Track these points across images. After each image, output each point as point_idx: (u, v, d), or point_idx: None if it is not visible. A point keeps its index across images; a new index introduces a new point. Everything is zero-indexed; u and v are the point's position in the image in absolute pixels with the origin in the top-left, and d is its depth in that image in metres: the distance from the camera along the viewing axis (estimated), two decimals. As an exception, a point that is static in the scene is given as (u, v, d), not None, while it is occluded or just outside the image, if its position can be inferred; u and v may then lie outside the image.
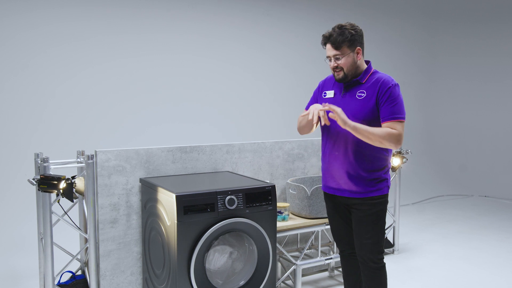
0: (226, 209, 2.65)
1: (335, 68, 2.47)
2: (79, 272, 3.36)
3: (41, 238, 3.10)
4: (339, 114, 2.33)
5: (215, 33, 5.86)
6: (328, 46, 2.47)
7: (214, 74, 5.87)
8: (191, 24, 5.70)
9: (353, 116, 2.42)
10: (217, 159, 3.37)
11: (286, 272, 3.43)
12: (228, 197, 2.65)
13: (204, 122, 5.75)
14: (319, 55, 6.52)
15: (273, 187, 2.83)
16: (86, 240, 3.03)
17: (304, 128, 2.63)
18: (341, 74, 2.46)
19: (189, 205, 2.55)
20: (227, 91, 5.96)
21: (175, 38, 5.61)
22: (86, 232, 3.10)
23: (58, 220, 2.99)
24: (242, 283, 2.75)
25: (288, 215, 3.38)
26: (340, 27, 2.44)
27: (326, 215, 3.35)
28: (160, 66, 5.51)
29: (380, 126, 2.43)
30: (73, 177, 2.81)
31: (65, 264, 3.18)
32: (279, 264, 3.55)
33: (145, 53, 5.41)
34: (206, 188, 2.68)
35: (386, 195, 2.53)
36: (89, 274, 2.96)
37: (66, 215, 3.07)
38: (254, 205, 2.73)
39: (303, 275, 3.69)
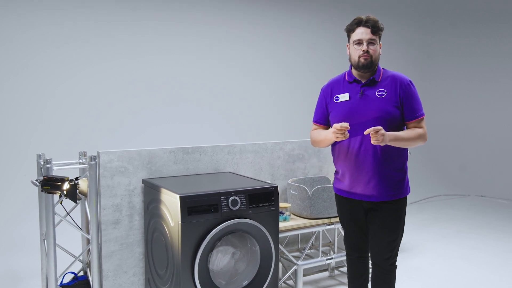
0: (230, 210, 2.66)
1: (364, 53, 2.41)
2: (81, 273, 3.36)
3: (44, 239, 3.10)
4: (388, 135, 2.27)
5: (215, 34, 5.87)
6: (363, 29, 2.42)
7: (214, 75, 5.88)
8: (191, 25, 5.71)
9: (376, 116, 2.38)
10: (218, 160, 3.39)
11: (288, 272, 3.44)
12: (231, 198, 2.67)
13: (203, 122, 5.76)
14: (319, 57, 6.59)
15: (276, 187, 2.84)
16: (88, 241, 3.04)
17: (323, 144, 2.59)
18: (369, 59, 2.41)
19: (193, 206, 2.56)
20: (226, 92, 5.97)
21: (175, 38, 5.62)
22: (88, 233, 3.10)
23: (61, 221, 2.99)
24: (245, 283, 2.76)
25: (290, 215, 3.40)
26: (374, 18, 2.46)
27: (327, 216, 3.38)
28: (160, 67, 5.52)
29: (401, 123, 2.44)
30: (76, 178, 2.82)
31: (67, 265, 3.18)
32: (280, 264, 3.58)
33: (144, 53, 5.41)
34: (210, 189, 2.70)
35: (406, 198, 2.53)
36: (92, 275, 2.97)
37: (68, 216, 3.08)
38: (257, 205, 2.75)
39: (303, 275, 3.71)
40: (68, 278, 3.25)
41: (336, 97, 2.54)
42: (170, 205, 2.65)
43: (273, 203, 2.81)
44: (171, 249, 2.66)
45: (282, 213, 3.33)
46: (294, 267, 3.37)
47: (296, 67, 6.51)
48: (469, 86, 7.61)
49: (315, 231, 3.50)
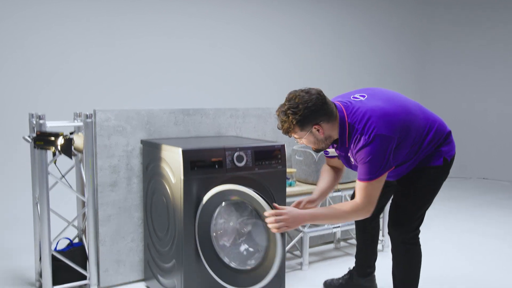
0: (235, 166, 2.51)
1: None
2: (76, 240, 3.19)
3: (36, 203, 2.93)
4: (297, 220, 2.05)
5: (212, 14, 5.66)
6: None
7: (209, 56, 5.64)
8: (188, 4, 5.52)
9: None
10: (220, 123, 3.23)
11: (292, 240, 3.30)
12: (236, 153, 2.51)
13: (204, 87, 5.52)
14: (316, 37, 6.40)
15: (283, 146, 2.69)
16: (83, 204, 2.86)
17: None
18: (314, 149, 2.23)
19: (196, 160, 2.41)
20: (229, 57, 5.74)
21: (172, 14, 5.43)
22: (84, 196, 2.93)
23: (56, 182, 2.82)
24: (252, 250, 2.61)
25: (295, 181, 3.25)
26: (285, 113, 2.06)
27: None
28: (162, 28, 5.29)
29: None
30: (71, 133, 2.65)
31: (61, 231, 3.00)
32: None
33: (144, 15, 5.17)
34: (214, 145, 2.54)
35: (439, 167, 2.31)
36: (88, 241, 2.81)
37: (63, 178, 2.91)
38: (264, 163, 2.60)
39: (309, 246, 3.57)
40: (62, 244, 3.07)
41: (326, 151, 2.41)
42: (171, 161, 2.49)
43: (280, 161, 2.66)
44: (172, 208, 2.51)
45: (288, 179, 3.18)
46: (300, 235, 3.22)
47: (293, 48, 6.27)
48: (468, 70, 7.46)
49: (321, 199, 3.36)
